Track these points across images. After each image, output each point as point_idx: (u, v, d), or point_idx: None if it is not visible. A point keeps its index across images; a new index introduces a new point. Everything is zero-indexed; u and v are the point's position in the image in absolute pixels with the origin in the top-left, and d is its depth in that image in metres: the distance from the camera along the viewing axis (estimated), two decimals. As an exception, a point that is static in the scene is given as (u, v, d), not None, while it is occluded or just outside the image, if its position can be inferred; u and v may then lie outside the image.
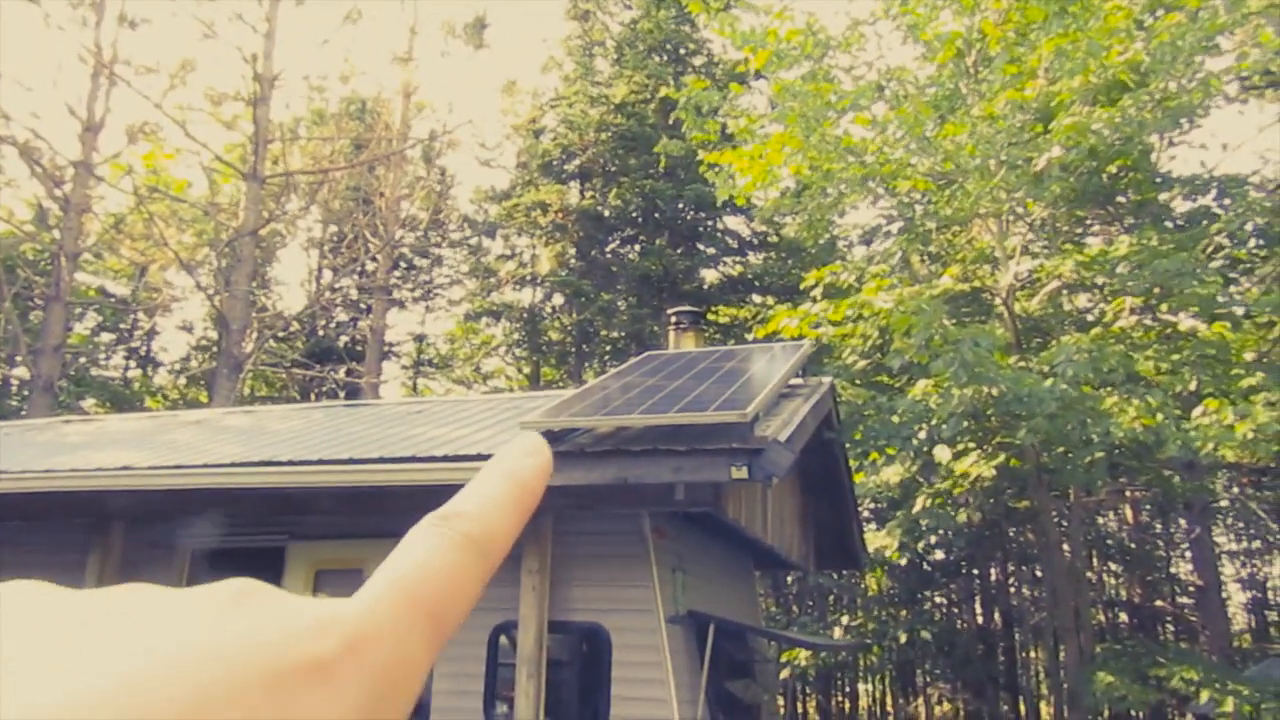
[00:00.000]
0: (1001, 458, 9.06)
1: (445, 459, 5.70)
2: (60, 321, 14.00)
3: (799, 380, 7.38)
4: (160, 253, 16.39)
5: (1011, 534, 15.49)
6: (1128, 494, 16.04)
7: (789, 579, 16.95)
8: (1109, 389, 7.87)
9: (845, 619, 11.75)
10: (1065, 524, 11.48)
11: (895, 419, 8.20)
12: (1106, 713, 15.97)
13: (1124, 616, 19.12)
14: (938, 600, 16.08)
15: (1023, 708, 15.60)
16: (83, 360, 18.34)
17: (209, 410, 10.34)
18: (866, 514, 12.54)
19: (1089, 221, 13.20)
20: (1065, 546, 11.48)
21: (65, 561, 7.09)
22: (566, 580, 6.10)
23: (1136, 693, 8.81)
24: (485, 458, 5.68)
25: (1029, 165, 9.65)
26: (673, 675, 5.78)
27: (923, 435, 8.20)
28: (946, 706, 20.05)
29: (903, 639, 11.78)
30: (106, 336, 19.29)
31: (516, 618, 5.86)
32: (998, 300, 11.53)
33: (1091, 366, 7.21)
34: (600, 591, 6.04)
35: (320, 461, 5.96)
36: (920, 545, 9.88)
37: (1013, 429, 7.84)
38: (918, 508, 9.45)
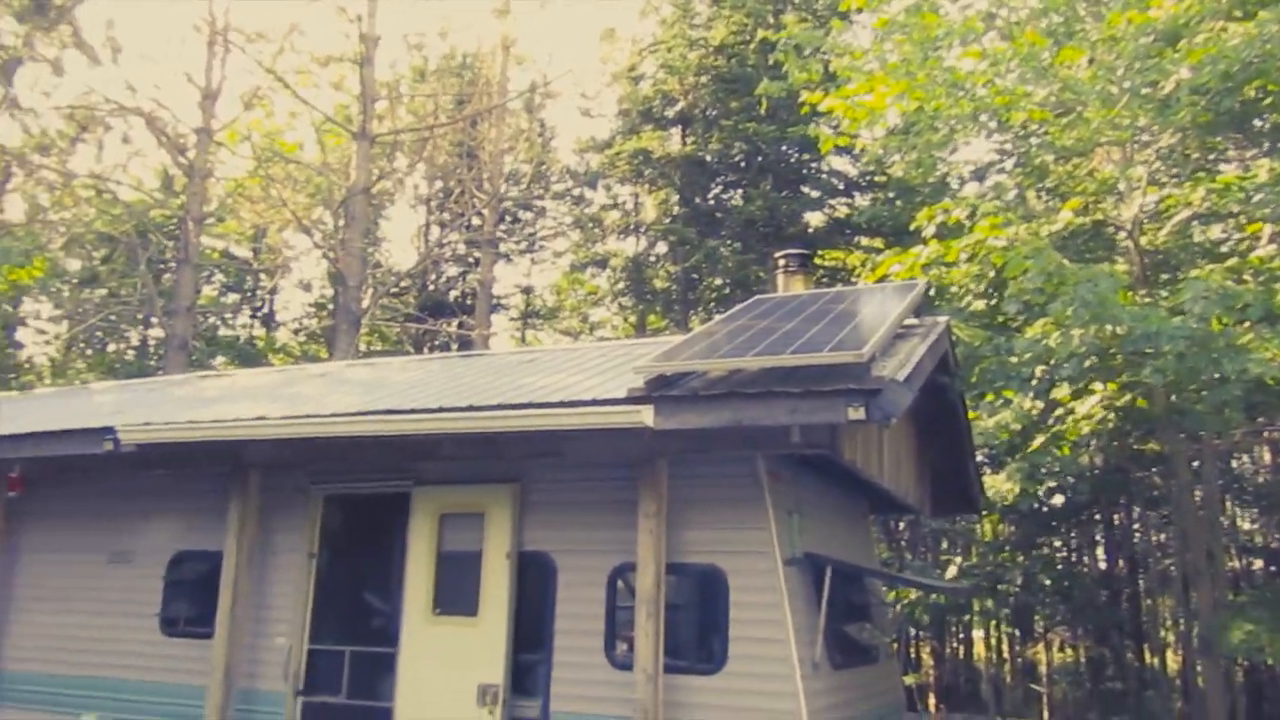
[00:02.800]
0: (1127, 398, 8.71)
1: (560, 405, 5.81)
2: (190, 283, 14.71)
3: (914, 321, 7.23)
4: (278, 214, 17.00)
5: (1138, 477, 14.95)
6: (1266, 435, 15.26)
7: (900, 524, 16.73)
8: (1244, 324, 7.45)
9: (959, 562, 11.54)
10: (1197, 466, 10.99)
11: (1013, 360, 7.96)
12: (1241, 663, 15.40)
13: (1259, 563, 18.29)
14: (1057, 545, 15.64)
15: (1149, 656, 15.16)
16: (212, 320, 19.25)
17: (332, 364, 10.76)
18: (983, 459, 12.28)
19: (1224, 147, 12.44)
20: (1197, 491, 11.03)
21: (207, 509, 7.53)
22: (683, 523, 6.16)
23: (1277, 644, 8.45)
24: (598, 403, 5.76)
25: (1155, 89, 9.13)
26: (790, 616, 5.81)
27: (1041, 376, 7.94)
28: (1068, 653, 19.64)
29: (1019, 584, 11.53)
30: (232, 297, 20.19)
31: (634, 560, 5.98)
32: (1122, 234, 11.02)
33: (1223, 304, 6.84)
34: (716, 534, 6.09)
35: (440, 409, 6.14)
36: (1040, 489, 9.60)
37: (1138, 368, 7.51)
38: (1034, 448, 9.18)
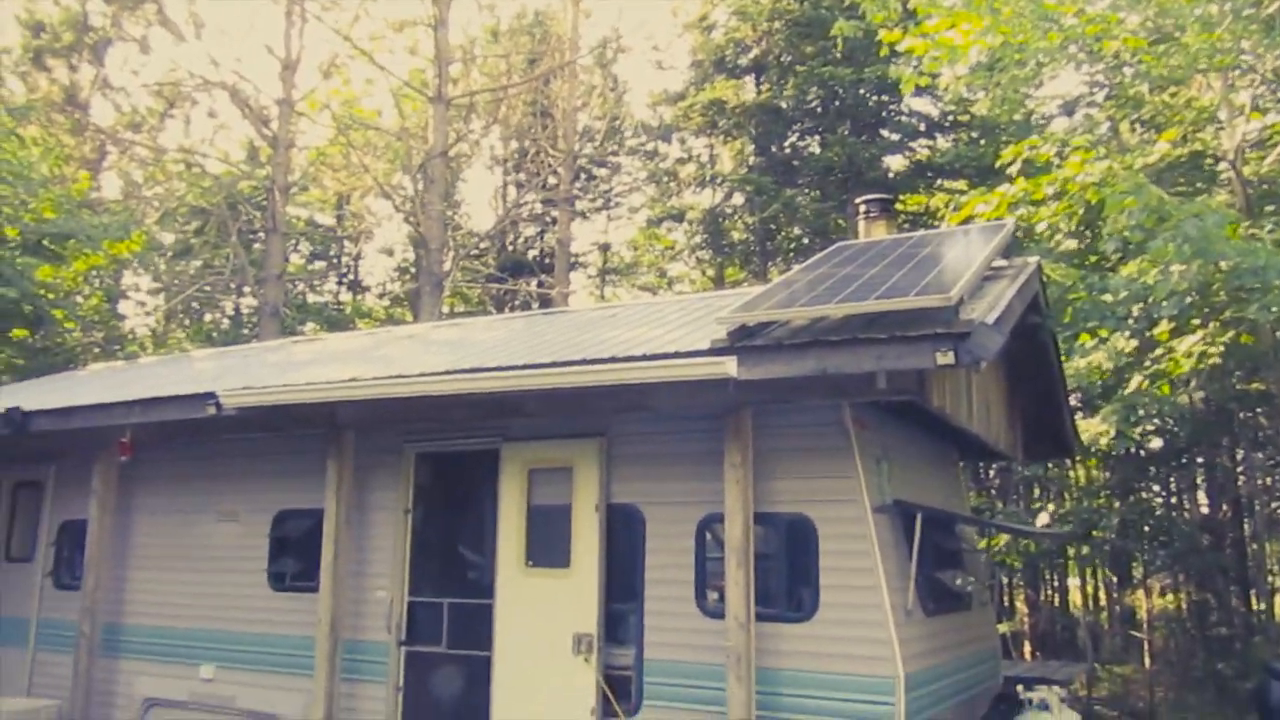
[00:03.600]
0: (1229, 335, 8.35)
1: (643, 358, 5.83)
2: (279, 251, 15.11)
3: (1002, 262, 7.04)
4: (360, 180, 17.33)
5: (1243, 418, 14.36)
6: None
7: (991, 470, 16.40)
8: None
9: (1051, 508, 11.28)
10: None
11: (1107, 298, 7.69)
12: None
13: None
14: (1156, 490, 15.16)
15: (1254, 601, 14.67)
16: (301, 287, 19.79)
17: (419, 326, 10.98)
18: (1076, 402, 11.95)
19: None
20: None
21: (305, 468, 7.80)
22: (769, 473, 6.16)
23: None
24: (681, 355, 5.77)
25: (1259, 9, 8.62)
26: (881, 564, 5.79)
27: (1139, 315, 7.66)
28: (1169, 599, 19.14)
29: (1115, 529, 11.23)
30: (319, 264, 20.70)
31: (721, 511, 6.01)
32: (1223, 165, 10.51)
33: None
34: (804, 483, 6.08)
35: (525, 366, 6.23)
36: (1137, 431, 9.30)
37: (1243, 304, 7.18)
38: (1131, 389, 8.87)
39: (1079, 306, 7.97)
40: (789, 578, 6.09)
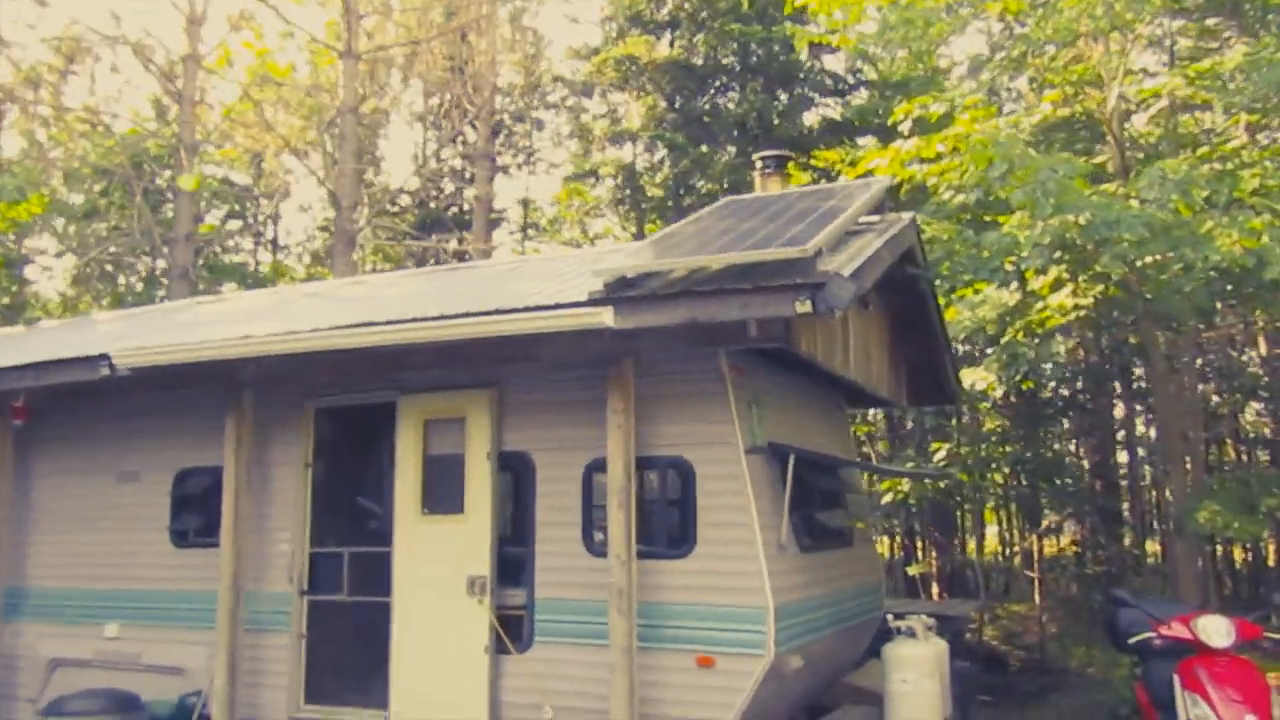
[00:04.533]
0: (1100, 288, 8.86)
1: (524, 310, 6.04)
2: (188, 211, 14.89)
3: (875, 218, 7.38)
4: (271, 138, 17.08)
5: (1135, 372, 15.14)
6: (1261, 325, 15.36)
7: (904, 419, 16.86)
8: (1210, 212, 7.54)
9: (944, 450, 11.84)
10: (1174, 356, 11.14)
11: (983, 253, 8.10)
12: (1219, 549, 15.78)
13: (1265, 456, 18.56)
14: (1050, 436, 15.91)
15: (1127, 541, 15.58)
16: (217, 249, 19.47)
17: (325, 283, 11.01)
18: (969, 352, 12.49)
19: (1226, 35, 12.27)
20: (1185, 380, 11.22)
21: (206, 427, 7.87)
22: (651, 418, 6.45)
23: (1243, 523, 8.73)
24: (560, 307, 6.00)
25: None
26: (754, 502, 6.13)
27: (1011, 268, 8.09)
28: (1065, 541, 20.12)
29: (1005, 473, 11.82)
30: (235, 224, 20.35)
31: (606, 455, 6.29)
32: (1106, 125, 10.99)
33: (1179, 189, 6.91)
34: (683, 427, 6.38)
35: (414, 320, 6.39)
36: (1018, 378, 9.81)
37: (1099, 257, 7.63)
38: (1009, 336, 9.33)
39: (956, 260, 8.38)
40: (669, 517, 6.42)
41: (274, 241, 21.30)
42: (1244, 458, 18.02)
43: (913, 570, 18.21)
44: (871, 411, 17.13)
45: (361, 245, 18.89)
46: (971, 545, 23.49)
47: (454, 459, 6.99)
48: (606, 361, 6.28)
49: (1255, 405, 18.38)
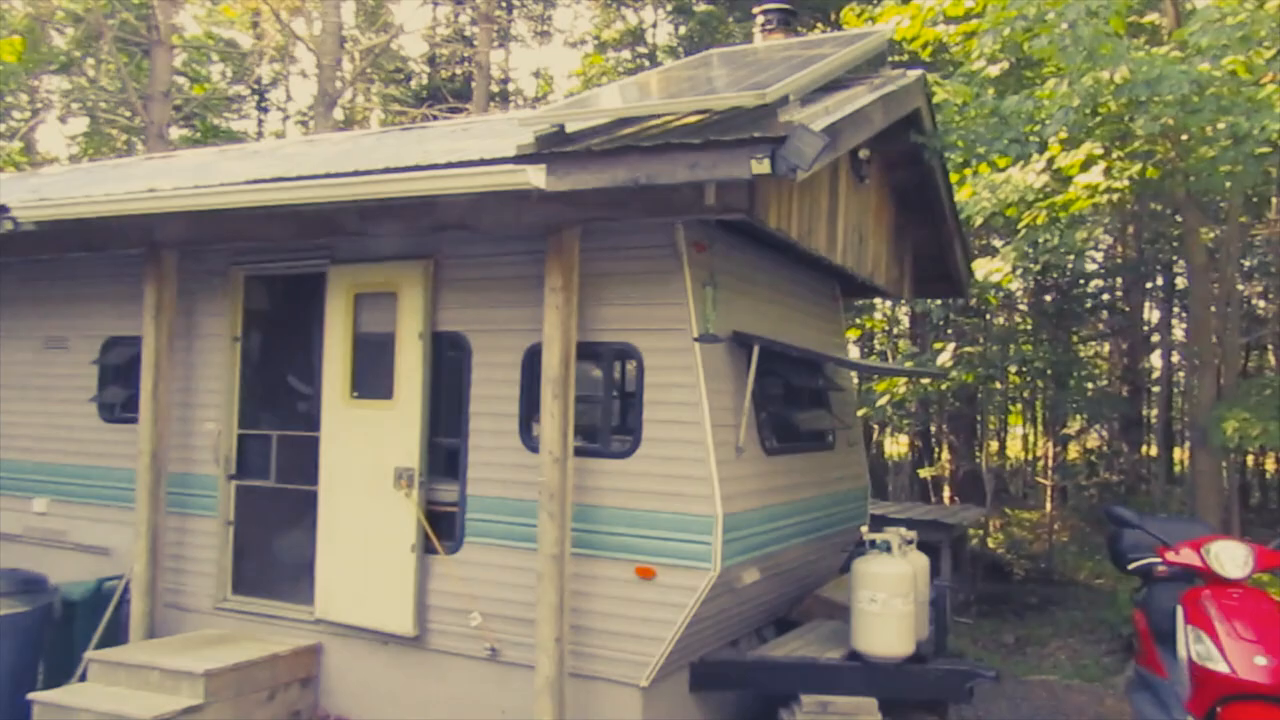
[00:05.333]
0: (1136, 168, 7.79)
1: (443, 167, 5.19)
2: (165, 67, 13.96)
3: (874, 76, 6.36)
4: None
5: (1176, 268, 14.01)
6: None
7: (934, 315, 15.86)
8: (1272, 73, 6.42)
9: (948, 349, 10.95)
10: (1216, 249, 10.04)
11: (999, 121, 7.05)
12: (1250, 459, 14.84)
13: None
14: (1078, 335, 14.89)
15: (1149, 449, 14.71)
16: (210, 112, 18.50)
17: (266, 143, 10.16)
18: (988, 244, 11.45)
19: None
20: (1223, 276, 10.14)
21: (133, 293, 7.17)
22: (597, 299, 5.65)
23: (1274, 432, 7.84)
24: (484, 163, 5.13)
25: None
26: (706, 398, 5.36)
27: (1035, 139, 7.04)
28: (1090, 443, 19.30)
29: (1018, 374, 10.94)
30: (223, 85, 19.29)
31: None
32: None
33: (1238, 37, 5.78)
34: (632, 310, 5.58)
35: (327, 176, 5.57)
36: (1037, 269, 8.83)
37: (1133, 119, 6.55)
38: (1027, 220, 8.30)
39: (970, 128, 7.34)
40: (612, 411, 5.68)
41: (265, 107, 20.28)
42: (1272, 359, 16.94)
43: (924, 473, 17.55)
44: (891, 306, 16.17)
45: (347, 108, 17.87)
46: (995, 447, 22.80)
47: (384, 339, 6.26)
48: (548, 232, 5.45)
49: None
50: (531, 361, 5.79)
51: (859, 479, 7.84)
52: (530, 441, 5.79)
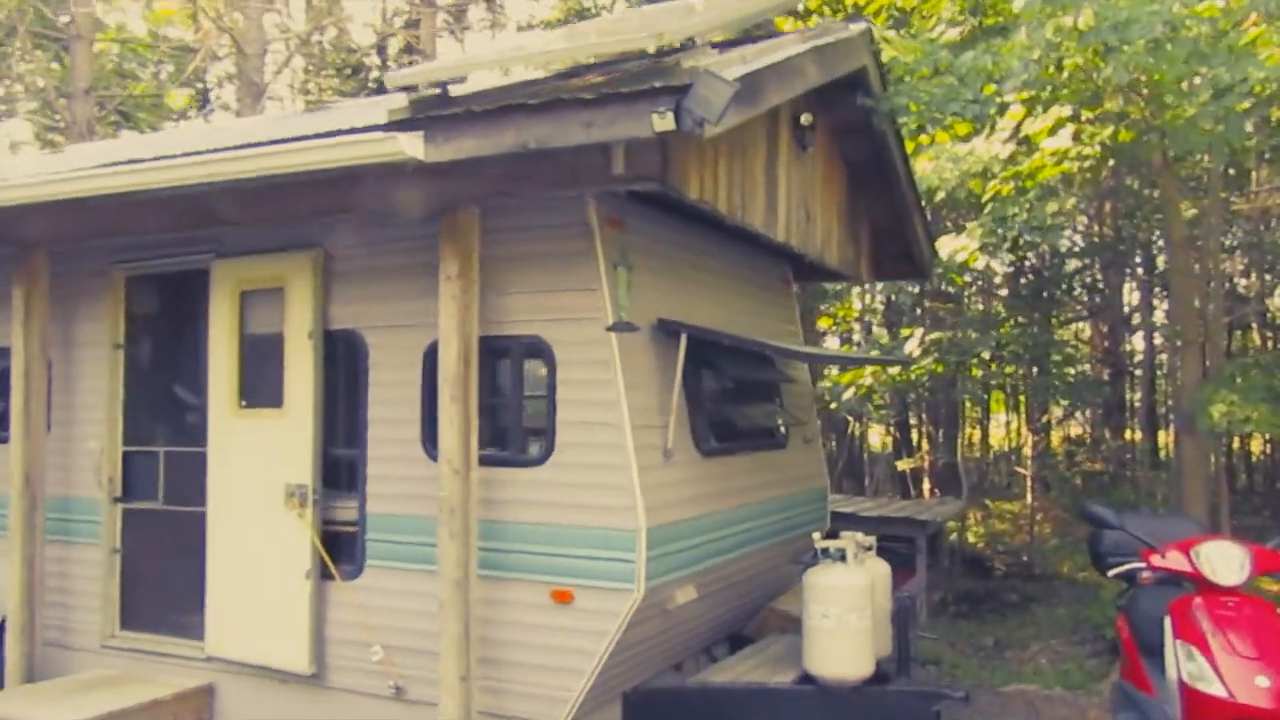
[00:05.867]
0: (1109, 132, 7.18)
1: (304, 139, 4.51)
2: (86, 61, 13.20)
3: (813, 31, 5.71)
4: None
5: (1155, 245, 13.42)
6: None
7: (903, 300, 15.18)
8: (1255, 19, 5.82)
9: (916, 334, 10.32)
10: (1196, 223, 9.46)
11: (957, 81, 6.42)
12: (1236, 442, 14.27)
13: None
14: (1056, 319, 14.28)
15: (1133, 434, 14.14)
16: (141, 111, 17.59)
17: (164, 135, 9.44)
18: (961, 224, 10.82)
19: None
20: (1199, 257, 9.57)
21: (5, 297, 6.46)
22: (502, 288, 4.99)
23: (1264, 415, 7.23)
24: (350, 132, 4.44)
25: None
26: (625, 395, 4.70)
27: (996, 100, 6.42)
28: (1073, 430, 18.72)
29: (989, 359, 10.33)
30: (175, 89, 18.43)
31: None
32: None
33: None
34: (542, 299, 4.91)
35: (186, 155, 4.88)
36: (1006, 246, 8.21)
37: (1099, 69, 5.92)
38: (989, 196, 7.67)
39: (925, 90, 6.70)
40: (522, 413, 5.00)
41: (209, 105, 19.50)
42: (1271, 344, 16.39)
43: (902, 465, 16.94)
44: (868, 293, 15.53)
45: (284, 99, 17.09)
46: (976, 437, 22.21)
47: (274, 340, 5.57)
48: (444, 213, 4.78)
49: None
50: (433, 361, 5.10)
51: (817, 478, 7.19)
52: (435, 451, 5.10)
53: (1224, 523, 9.06)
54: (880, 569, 5.77)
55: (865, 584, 5.33)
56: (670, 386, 5.04)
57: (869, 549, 5.71)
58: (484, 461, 4.88)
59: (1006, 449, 21.76)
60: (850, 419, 17.00)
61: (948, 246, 8.18)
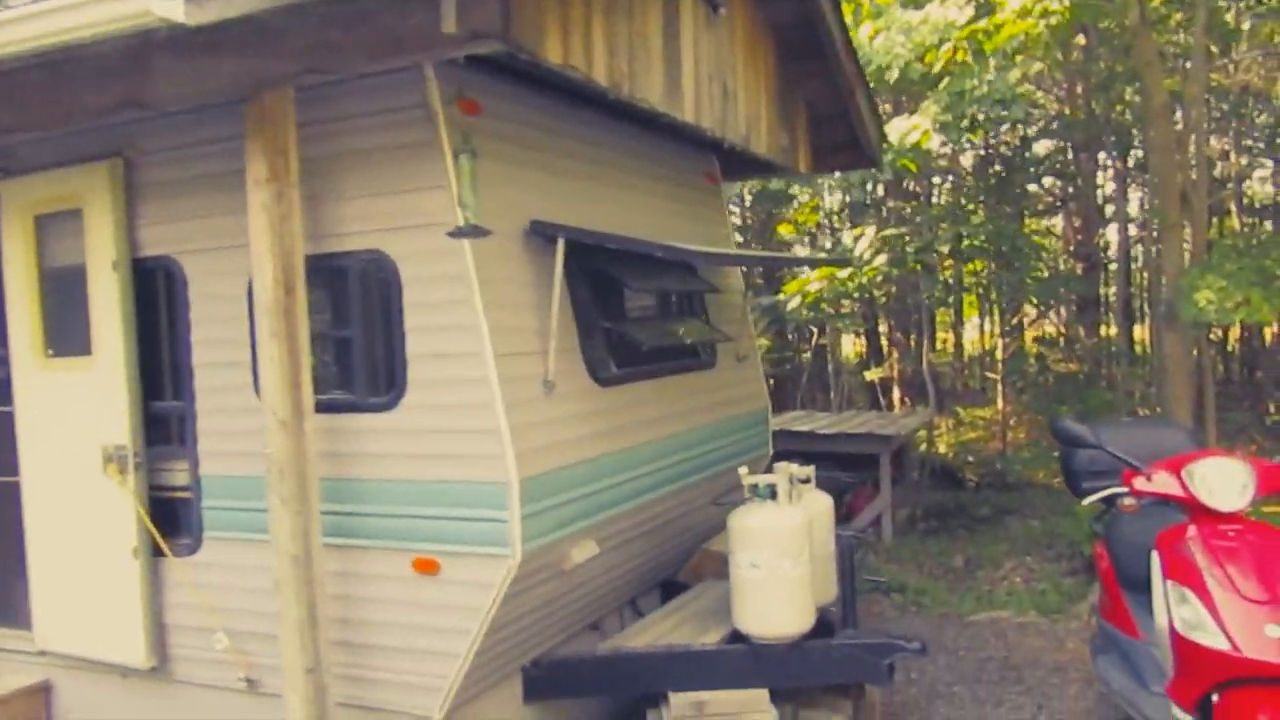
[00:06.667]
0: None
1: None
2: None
3: None
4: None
5: (1132, 130, 12.44)
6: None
7: (854, 195, 14.09)
8: None
9: (866, 232, 9.40)
10: (1177, 94, 8.51)
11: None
12: (1214, 333, 13.52)
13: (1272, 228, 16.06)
14: (1026, 210, 13.33)
15: (1107, 330, 13.33)
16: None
17: None
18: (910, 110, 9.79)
19: None
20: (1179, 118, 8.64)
21: None
22: (333, 194, 4.03)
23: (1256, 303, 6.41)
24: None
25: None
26: (487, 316, 3.78)
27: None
28: (1048, 329, 18.00)
29: (944, 251, 9.43)
30: None
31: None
32: None
33: None
34: (380, 204, 3.96)
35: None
36: (965, 124, 7.25)
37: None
38: (944, 63, 6.68)
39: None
40: (366, 347, 4.08)
41: None
42: (1251, 229, 15.57)
43: (870, 375, 16.19)
44: (828, 192, 14.54)
45: None
46: (951, 341, 21.47)
47: (77, 274, 4.60)
48: (247, 99, 3.79)
49: (1268, 165, 15.75)
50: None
51: (755, 400, 6.34)
52: (270, 397, 4.19)
53: (1209, 422, 8.32)
54: (820, 504, 4.96)
55: (800, 525, 4.51)
56: (548, 302, 4.12)
57: (805, 481, 4.89)
58: (323, 408, 3.98)
59: (980, 354, 21.08)
60: (814, 330, 16.21)
61: (899, 128, 7.21)
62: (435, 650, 3.91)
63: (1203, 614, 3.43)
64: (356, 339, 4.06)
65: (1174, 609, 3.57)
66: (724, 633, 4.68)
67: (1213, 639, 3.36)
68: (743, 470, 4.73)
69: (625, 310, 4.97)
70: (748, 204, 16.16)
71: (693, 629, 4.81)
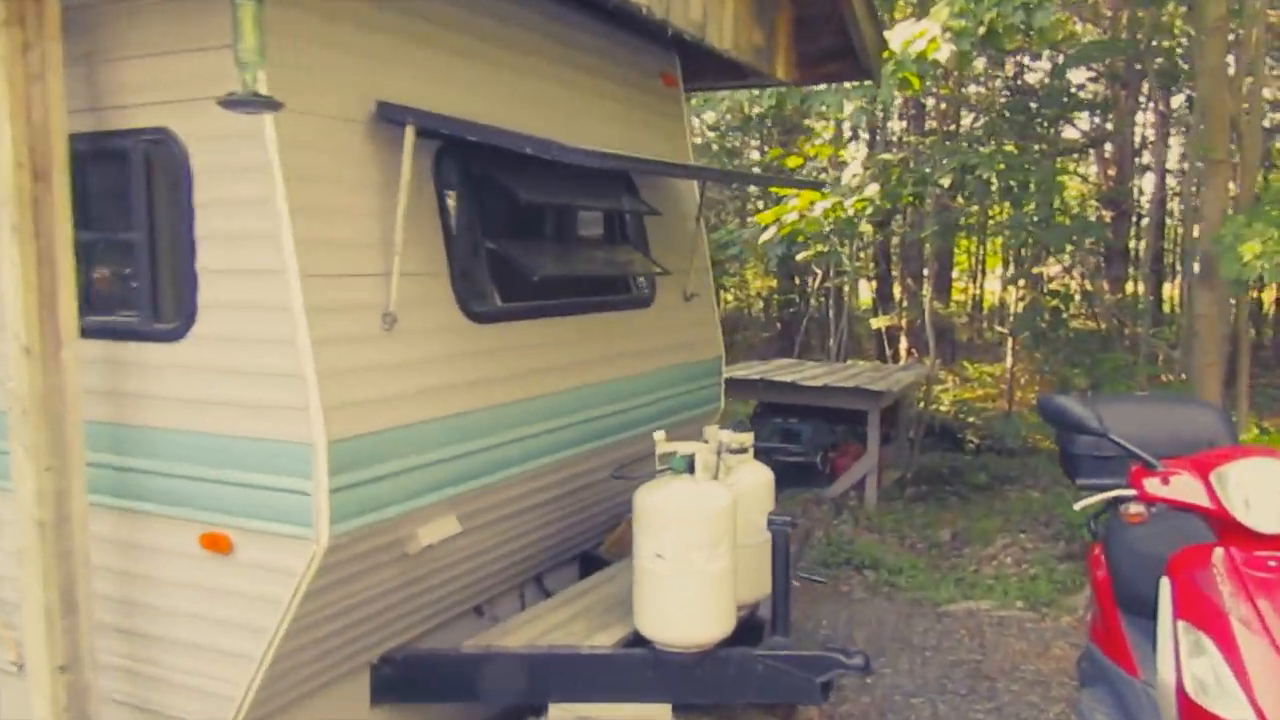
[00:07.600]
0: None
1: None
2: None
3: None
4: None
5: (1157, 49, 11.14)
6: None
7: (852, 117, 12.78)
8: None
9: (863, 157, 8.32)
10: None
11: None
12: (1265, 294, 12.43)
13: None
14: (1047, 143, 12.11)
15: (1134, 285, 12.15)
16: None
17: None
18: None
19: None
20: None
21: None
22: (106, 51, 3.06)
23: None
24: None
25: None
26: (291, 219, 2.84)
27: None
28: (1070, 283, 16.87)
29: (945, 184, 8.31)
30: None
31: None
32: None
33: None
34: (166, 67, 2.99)
35: None
36: (983, 32, 6.13)
37: None
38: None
39: None
40: (149, 257, 3.15)
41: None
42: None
43: (877, 323, 15.16)
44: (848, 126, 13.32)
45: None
46: (970, 291, 20.34)
47: None
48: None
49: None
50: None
51: (705, 346, 5.38)
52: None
53: (1242, 395, 7.31)
54: (757, 479, 4.05)
55: (722, 507, 3.60)
56: (393, 208, 3.16)
57: (740, 450, 3.98)
58: (94, 332, 3.08)
59: (998, 305, 19.96)
60: (817, 272, 15.16)
61: (902, 35, 6.11)
62: (226, 649, 3.05)
63: (1224, 673, 2.51)
64: (139, 246, 3.12)
65: (1185, 660, 2.65)
66: (625, 633, 3.82)
67: (1234, 709, 2.45)
68: (658, 435, 3.80)
69: (520, 228, 4.00)
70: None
71: (588, 625, 3.94)
